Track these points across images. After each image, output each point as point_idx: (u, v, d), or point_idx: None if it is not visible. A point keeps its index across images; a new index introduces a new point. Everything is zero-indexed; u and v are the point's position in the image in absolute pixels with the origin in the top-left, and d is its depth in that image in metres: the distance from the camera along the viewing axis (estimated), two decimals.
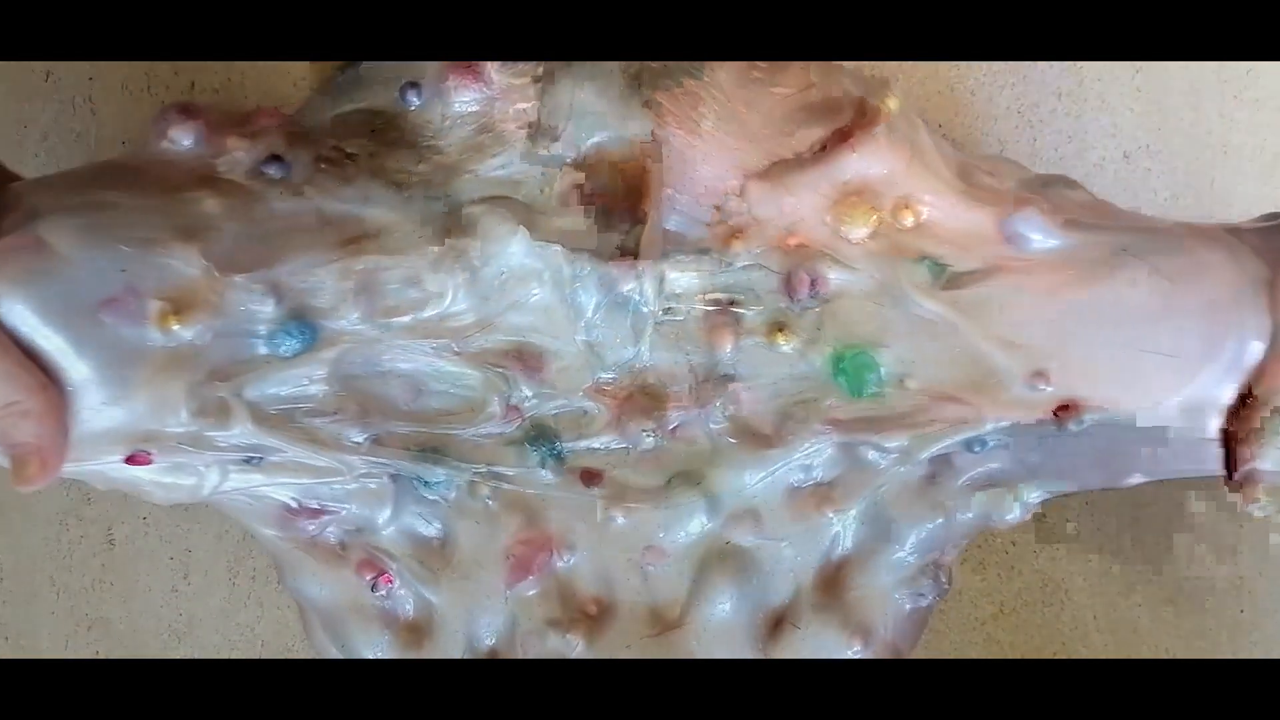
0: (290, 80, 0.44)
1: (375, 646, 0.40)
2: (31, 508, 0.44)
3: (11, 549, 0.44)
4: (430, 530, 0.41)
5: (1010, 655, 0.43)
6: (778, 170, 0.40)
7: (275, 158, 0.38)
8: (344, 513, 0.40)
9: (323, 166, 0.39)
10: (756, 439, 0.40)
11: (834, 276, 0.40)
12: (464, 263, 0.39)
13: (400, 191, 0.39)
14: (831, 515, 0.40)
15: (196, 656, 0.43)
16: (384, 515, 0.40)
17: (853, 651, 0.39)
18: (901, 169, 0.39)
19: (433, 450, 0.40)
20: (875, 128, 0.39)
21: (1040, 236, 0.38)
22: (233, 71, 0.44)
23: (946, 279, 0.39)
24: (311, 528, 0.40)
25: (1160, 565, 0.43)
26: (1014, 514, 0.40)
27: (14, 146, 0.44)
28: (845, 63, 0.42)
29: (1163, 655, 0.42)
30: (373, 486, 0.40)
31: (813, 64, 0.41)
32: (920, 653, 0.42)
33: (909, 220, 0.39)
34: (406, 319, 0.39)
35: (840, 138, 0.39)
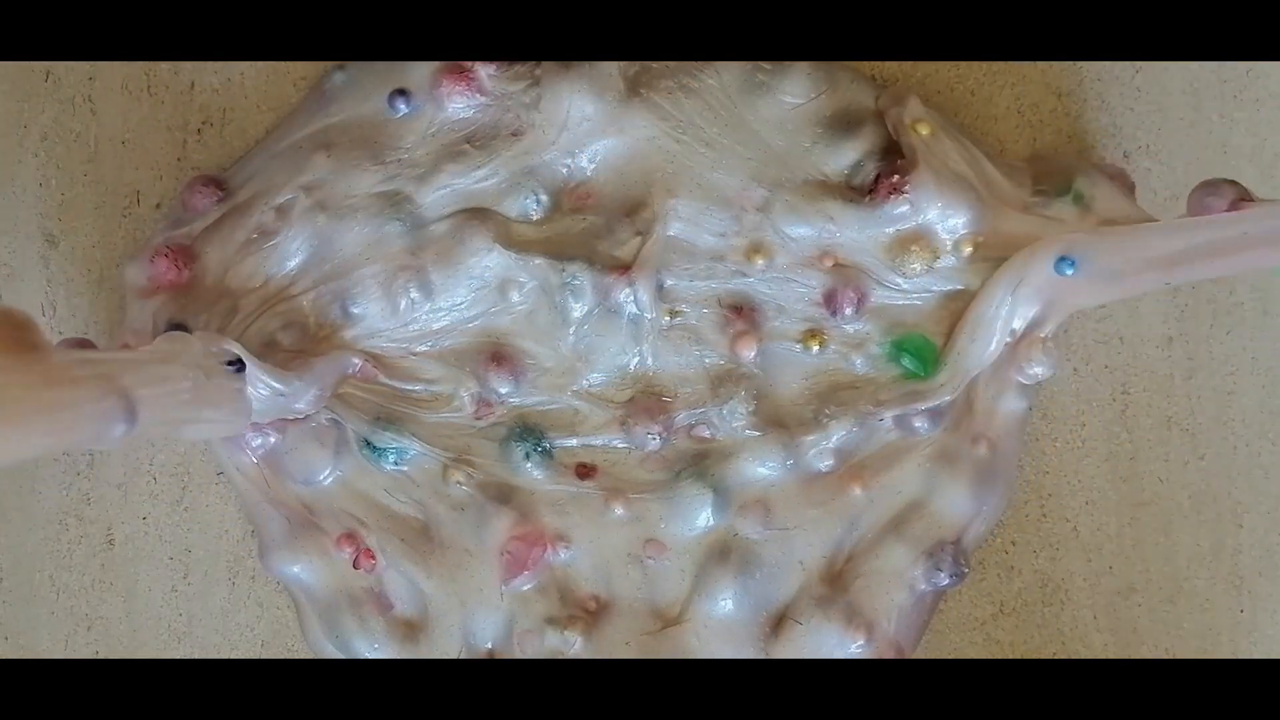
0: (290, 80, 0.44)
1: (368, 635, 0.40)
2: (31, 508, 0.44)
3: (11, 549, 0.44)
4: (402, 507, 0.41)
5: (1010, 655, 0.43)
6: (814, 193, 0.40)
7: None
8: (291, 445, 0.40)
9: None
10: (784, 428, 0.40)
11: (881, 294, 0.40)
12: (419, 280, 0.40)
13: (345, 220, 0.40)
14: (860, 492, 0.40)
15: (196, 656, 0.43)
16: (324, 461, 0.40)
17: (855, 647, 0.39)
18: (958, 204, 0.39)
19: (388, 421, 0.40)
20: (919, 168, 0.38)
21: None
22: (233, 71, 0.44)
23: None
24: (272, 440, 0.40)
25: (1160, 565, 0.43)
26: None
27: (14, 146, 0.44)
28: (845, 63, 0.42)
29: (1163, 655, 0.42)
30: (313, 425, 0.40)
31: (816, 67, 0.41)
32: (920, 653, 0.42)
33: (968, 250, 0.39)
34: (344, 335, 0.40)
35: (890, 190, 0.39)
